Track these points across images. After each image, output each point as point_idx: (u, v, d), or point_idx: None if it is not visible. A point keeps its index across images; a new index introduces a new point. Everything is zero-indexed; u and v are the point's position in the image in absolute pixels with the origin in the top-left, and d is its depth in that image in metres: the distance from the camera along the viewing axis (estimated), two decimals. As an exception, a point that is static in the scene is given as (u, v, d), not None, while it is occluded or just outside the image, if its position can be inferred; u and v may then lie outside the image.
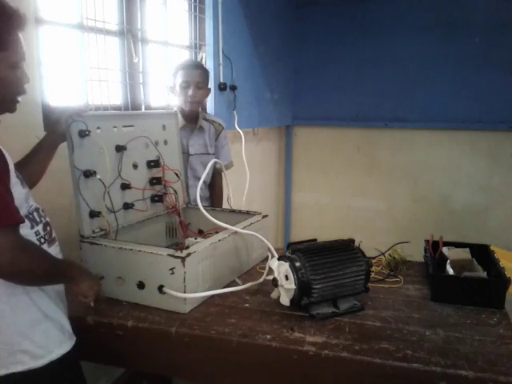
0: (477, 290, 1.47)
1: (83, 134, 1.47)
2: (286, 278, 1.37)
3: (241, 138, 2.88)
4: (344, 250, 1.47)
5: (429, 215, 3.92)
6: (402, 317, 1.40)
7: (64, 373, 1.19)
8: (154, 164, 1.79)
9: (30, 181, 1.34)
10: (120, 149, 1.64)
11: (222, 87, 2.83)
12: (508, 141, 3.71)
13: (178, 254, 1.38)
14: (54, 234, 1.25)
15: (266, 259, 1.69)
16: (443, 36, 3.69)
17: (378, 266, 1.76)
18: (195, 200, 1.99)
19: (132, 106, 2.33)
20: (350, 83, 4.03)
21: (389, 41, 3.84)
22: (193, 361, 1.34)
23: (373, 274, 1.65)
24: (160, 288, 1.40)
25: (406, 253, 1.77)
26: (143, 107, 2.42)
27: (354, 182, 4.23)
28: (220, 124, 2.37)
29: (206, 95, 2.32)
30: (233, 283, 1.62)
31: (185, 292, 1.38)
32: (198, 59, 2.85)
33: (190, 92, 2.14)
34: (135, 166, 1.74)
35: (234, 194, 2.11)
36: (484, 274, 1.54)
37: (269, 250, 1.64)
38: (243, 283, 1.58)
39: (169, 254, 1.38)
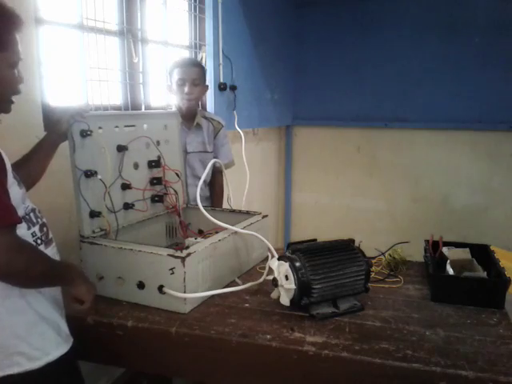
0: (477, 290, 1.47)
1: (85, 133, 1.47)
2: (286, 278, 1.37)
3: (241, 138, 2.88)
4: (344, 250, 1.47)
5: (429, 215, 3.92)
6: (402, 317, 1.40)
7: (61, 375, 1.19)
8: (154, 164, 1.79)
9: (30, 180, 1.34)
10: (121, 149, 1.64)
11: (221, 87, 2.83)
12: (508, 141, 3.71)
13: (178, 253, 1.38)
14: (50, 235, 1.25)
15: (266, 259, 1.69)
16: (443, 36, 3.69)
17: (378, 265, 1.76)
18: (194, 199, 2.00)
19: (132, 105, 2.33)
20: (350, 83, 4.03)
21: (389, 41, 3.84)
22: (193, 361, 1.34)
23: (373, 274, 1.65)
24: (160, 288, 1.40)
25: (406, 253, 1.77)
26: (143, 107, 2.42)
27: (354, 182, 4.23)
28: (219, 122, 2.36)
29: (203, 92, 2.31)
30: (233, 283, 1.62)
31: (185, 292, 1.38)
32: (198, 59, 2.85)
33: (186, 89, 2.13)
34: (136, 166, 1.74)
35: (234, 194, 2.12)
36: (484, 274, 1.54)
37: (269, 250, 1.64)
38: (243, 283, 1.58)
39: (169, 254, 1.38)
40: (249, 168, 2.69)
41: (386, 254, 1.77)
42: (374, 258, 1.77)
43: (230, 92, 2.94)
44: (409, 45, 3.79)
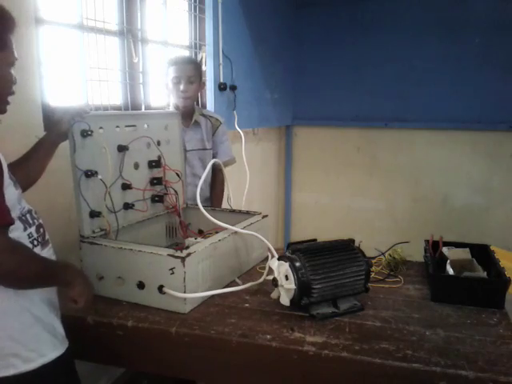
0: (477, 290, 1.47)
1: (85, 133, 1.47)
2: (286, 278, 1.37)
3: (241, 137, 2.88)
4: (344, 250, 1.47)
5: (429, 215, 3.92)
6: (401, 317, 1.40)
7: (57, 376, 1.18)
8: (155, 164, 1.79)
9: (29, 179, 1.34)
10: (122, 149, 1.64)
11: (222, 87, 2.83)
12: (508, 141, 3.71)
13: (178, 253, 1.38)
14: (47, 236, 1.24)
15: (266, 259, 1.69)
16: (443, 36, 3.69)
17: (378, 265, 1.76)
18: (192, 198, 2.00)
19: (132, 105, 2.33)
20: (350, 83, 4.04)
21: (389, 41, 3.84)
22: (193, 361, 1.34)
23: (373, 274, 1.65)
24: (160, 288, 1.40)
25: (406, 253, 1.77)
26: (143, 107, 2.42)
27: (354, 182, 4.23)
28: (217, 119, 2.35)
29: (200, 89, 2.29)
30: (233, 283, 1.62)
31: (185, 292, 1.38)
32: (198, 59, 2.85)
33: (182, 87, 2.12)
34: (136, 166, 1.74)
35: (234, 194, 2.12)
36: (484, 274, 1.54)
37: (269, 249, 1.64)
38: (243, 283, 1.58)
39: (169, 254, 1.38)
40: (249, 168, 2.70)
41: (386, 254, 1.77)
42: (373, 258, 1.77)
43: (230, 92, 2.94)
44: (409, 45, 3.79)
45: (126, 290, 1.47)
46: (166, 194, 1.83)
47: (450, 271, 1.56)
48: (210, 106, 2.81)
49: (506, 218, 3.78)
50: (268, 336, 1.28)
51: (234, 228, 1.63)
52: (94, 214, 1.53)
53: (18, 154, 1.35)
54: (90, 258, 1.50)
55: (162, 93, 2.61)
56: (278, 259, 1.44)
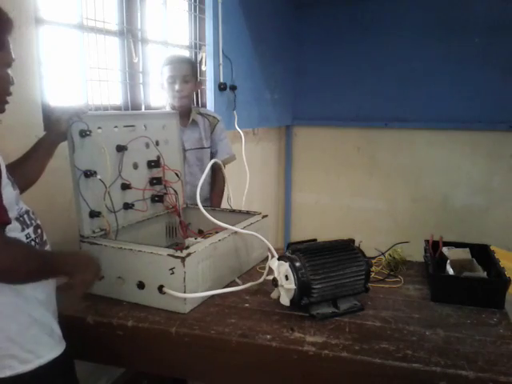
0: (477, 290, 1.46)
1: (84, 133, 1.47)
2: (286, 278, 1.37)
3: (241, 138, 2.88)
4: (344, 250, 1.46)
5: (429, 215, 3.92)
6: (402, 317, 1.40)
7: (55, 377, 1.18)
8: (154, 164, 1.79)
9: (28, 179, 1.34)
10: (121, 149, 1.64)
11: (221, 87, 2.83)
12: (508, 141, 3.71)
13: (178, 254, 1.38)
14: (45, 237, 1.24)
15: (266, 259, 1.69)
16: (443, 36, 3.69)
17: (378, 265, 1.76)
18: (190, 198, 1.99)
19: (132, 105, 2.33)
20: (350, 83, 4.04)
21: (389, 41, 3.85)
22: (193, 361, 1.34)
23: (373, 274, 1.65)
24: (160, 288, 1.40)
25: (406, 253, 1.77)
26: (143, 107, 2.42)
27: (354, 182, 4.24)
28: (215, 117, 2.34)
29: (196, 89, 2.28)
30: (233, 283, 1.62)
31: (185, 292, 1.38)
32: (198, 59, 2.85)
33: (177, 87, 2.11)
34: (135, 166, 1.74)
35: (234, 194, 2.11)
36: (484, 274, 1.54)
37: (269, 250, 1.64)
38: (243, 283, 1.58)
39: (169, 254, 1.38)
40: (249, 168, 2.69)
41: (386, 254, 1.77)
42: (374, 258, 1.77)
43: (229, 92, 2.94)
44: (409, 45, 3.79)
45: (126, 289, 1.47)
46: (165, 193, 1.83)
47: (450, 271, 1.55)
48: (210, 105, 2.82)
49: (506, 218, 3.78)
50: (268, 336, 1.28)
51: (234, 228, 1.63)
52: (93, 214, 1.53)
53: (18, 153, 1.35)
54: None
55: (162, 93, 2.61)
56: (278, 259, 1.44)
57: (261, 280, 1.57)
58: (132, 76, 2.35)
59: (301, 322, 1.36)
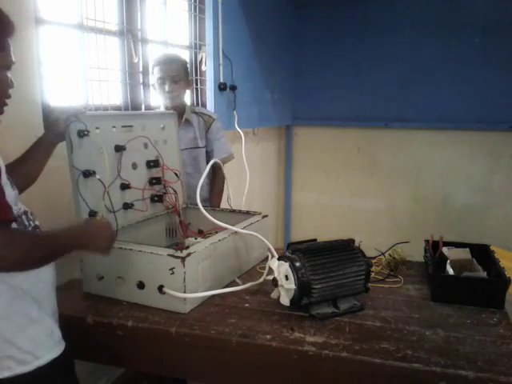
0: (477, 290, 1.46)
1: (82, 133, 1.47)
2: (286, 278, 1.37)
3: (241, 138, 2.88)
4: (344, 250, 1.46)
5: (429, 215, 3.92)
6: (402, 317, 1.40)
7: (54, 378, 1.18)
8: (153, 164, 1.79)
9: (27, 179, 1.34)
10: (119, 149, 1.64)
11: (221, 87, 2.83)
12: (508, 141, 3.71)
13: (178, 253, 1.38)
14: None
15: (266, 259, 1.69)
16: (443, 36, 3.69)
17: (378, 265, 1.76)
18: (187, 198, 1.99)
19: (132, 106, 2.33)
20: (350, 83, 4.04)
21: (389, 41, 3.85)
22: (193, 361, 1.34)
23: (373, 274, 1.65)
24: (160, 288, 1.40)
25: (406, 253, 1.77)
26: (143, 107, 2.42)
27: (354, 182, 4.24)
28: (210, 116, 2.33)
29: (186, 88, 2.26)
30: (233, 283, 1.62)
31: (185, 292, 1.38)
32: (198, 59, 2.85)
33: (167, 88, 2.11)
34: (134, 166, 1.74)
35: (234, 194, 2.11)
36: (484, 274, 1.54)
37: (269, 250, 1.64)
38: (243, 283, 1.58)
39: (169, 254, 1.38)
40: (249, 168, 2.69)
41: (386, 254, 1.77)
42: (374, 258, 1.77)
43: (229, 92, 2.94)
44: (409, 45, 3.79)
45: (126, 289, 1.47)
46: (165, 193, 1.83)
47: (450, 271, 1.55)
48: (210, 105, 2.82)
49: (505, 218, 3.78)
50: (268, 336, 1.28)
51: (234, 228, 1.63)
52: (92, 214, 1.52)
53: (18, 153, 1.35)
54: (89, 258, 1.50)
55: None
56: (278, 259, 1.44)
57: (261, 280, 1.57)
58: (132, 76, 2.34)
59: (301, 322, 1.36)
